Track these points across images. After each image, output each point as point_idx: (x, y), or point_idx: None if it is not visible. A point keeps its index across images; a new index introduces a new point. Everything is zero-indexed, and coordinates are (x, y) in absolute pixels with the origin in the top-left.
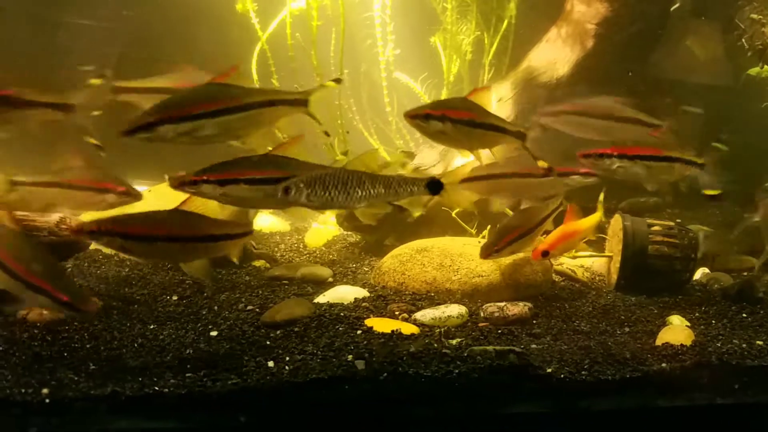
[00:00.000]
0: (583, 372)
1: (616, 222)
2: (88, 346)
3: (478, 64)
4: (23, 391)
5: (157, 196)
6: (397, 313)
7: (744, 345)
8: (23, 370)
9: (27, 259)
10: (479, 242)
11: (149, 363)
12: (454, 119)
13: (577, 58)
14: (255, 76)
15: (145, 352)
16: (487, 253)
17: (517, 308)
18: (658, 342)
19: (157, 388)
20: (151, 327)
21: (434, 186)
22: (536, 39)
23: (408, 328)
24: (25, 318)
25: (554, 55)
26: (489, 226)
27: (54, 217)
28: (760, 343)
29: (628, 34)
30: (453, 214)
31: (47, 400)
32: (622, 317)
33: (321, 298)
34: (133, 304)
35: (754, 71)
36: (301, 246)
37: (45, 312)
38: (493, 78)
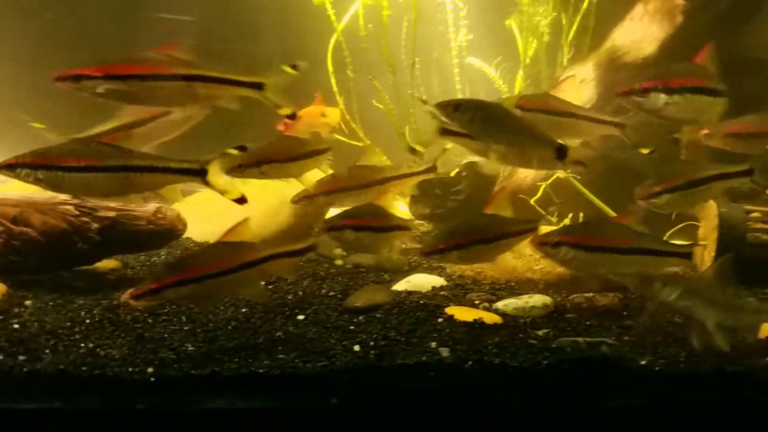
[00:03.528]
0: (679, 364)
1: (711, 208)
2: (185, 328)
3: (555, 45)
4: (130, 369)
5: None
6: (477, 302)
7: None
8: (128, 350)
9: None
10: None
11: (244, 345)
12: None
13: (665, 36)
14: (330, 67)
15: (239, 334)
16: (428, 251)
17: (606, 299)
18: (762, 335)
19: (252, 369)
20: (243, 311)
21: (562, 151)
22: (619, 17)
23: (490, 318)
24: (128, 302)
25: (640, 33)
26: (570, 214)
27: (152, 207)
28: None
29: (721, 10)
30: (531, 201)
31: (152, 379)
32: None
33: (398, 286)
34: None
35: None
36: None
37: None
38: (572, 59)
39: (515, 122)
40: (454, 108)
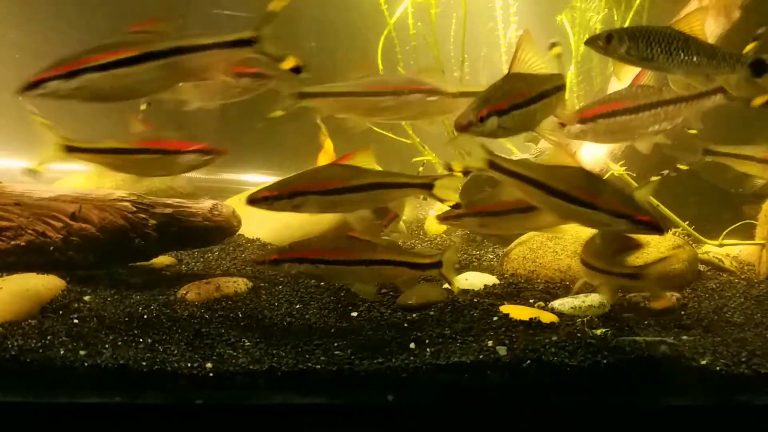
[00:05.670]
0: (741, 365)
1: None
2: (242, 324)
3: None
4: (189, 365)
5: None
6: (531, 301)
7: None
8: (186, 346)
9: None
10: None
11: (300, 340)
12: None
13: (722, 31)
14: (380, 65)
15: (295, 329)
16: (445, 216)
17: (664, 298)
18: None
19: (309, 365)
20: (297, 307)
21: (761, 66)
22: (674, 12)
23: (546, 317)
24: (184, 297)
25: None
26: None
27: (208, 203)
28: None
29: None
30: None
31: (211, 374)
32: None
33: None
34: (277, 285)
35: None
36: (421, 233)
37: (201, 292)
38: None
39: (690, 41)
40: (605, 41)
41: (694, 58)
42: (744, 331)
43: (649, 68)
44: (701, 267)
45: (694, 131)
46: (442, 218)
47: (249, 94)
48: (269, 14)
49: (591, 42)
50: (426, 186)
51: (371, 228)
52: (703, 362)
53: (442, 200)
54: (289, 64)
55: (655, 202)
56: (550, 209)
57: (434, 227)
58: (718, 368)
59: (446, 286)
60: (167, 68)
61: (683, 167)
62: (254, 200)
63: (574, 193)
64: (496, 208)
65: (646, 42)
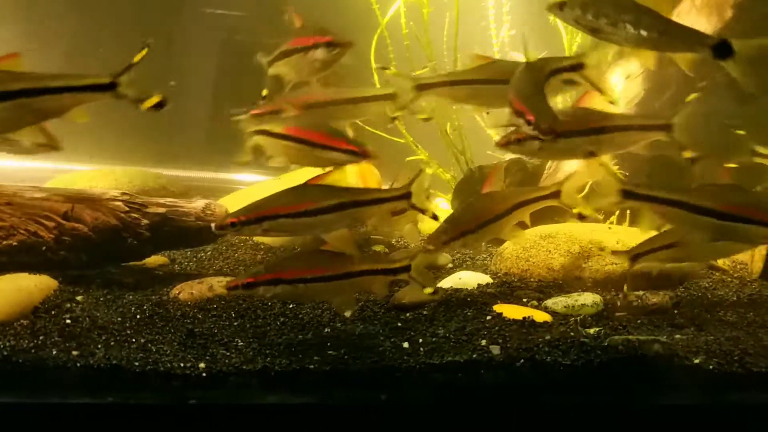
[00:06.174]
0: (734, 363)
1: None
2: (235, 323)
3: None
4: (182, 365)
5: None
6: (525, 300)
7: None
8: (179, 346)
9: None
10: (609, 228)
11: (293, 340)
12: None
13: (713, 30)
14: (373, 64)
15: (288, 329)
16: (436, 243)
17: (657, 297)
18: None
19: (302, 365)
20: (290, 306)
21: (722, 49)
22: (667, 12)
23: (540, 316)
24: (177, 297)
25: None
26: (617, 211)
27: (200, 203)
28: None
29: None
30: (579, 197)
31: (204, 374)
32: None
33: (444, 283)
34: None
35: None
36: (416, 232)
37: (194, 291)
38: (618, 54)
39: (643, 15)
40: (559, 7)
41: (643, 33)
42: (737, 329)
43: (601, 39)
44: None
45: (742, 132)
46: (433, 248)
47: (328, 67)
48: (130, 65)
49: (550, 7)
50: (403, 197)
51: (344, 240)
52: (696, 361)
53: (422, 210)
54: (151, 102)
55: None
56: (700, 229)
57: (429, 226)
58: (711, 367)
59: (439, 284)
60: (17, 109)
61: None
62: (221, 227)
63: (725, 208)
64: (472, 226)
65: (594, 12)
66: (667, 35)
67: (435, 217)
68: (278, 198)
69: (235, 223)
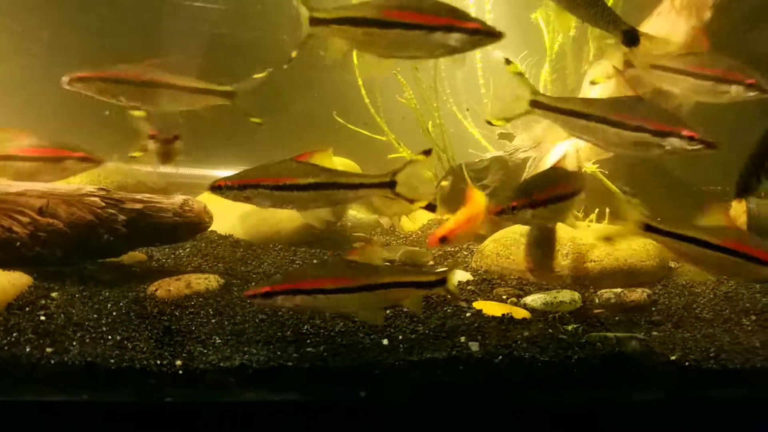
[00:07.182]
0: (710, 360)
1: (739, 205)
2: (213, 321)
3: (582, 40)
4: (158, 362)
5: None
6: (504, 297)
7: None
8: (156, 343)
9: None
10: (588, 226)
11: (272, 337)
12: None
13: (690, 31)
14: (356, 61)
15: (266, 326)
16: (499, 209)
17: (635, 294)
18: None
19: (281, 362)
20: None
21: (631, 36)
22: (648, 12)
23: (519, 313)
24: (154, 294)
25: (666, 28)
26: (597, 209)
27: (178, 199)
28: None
29: (749, 7)
30: None
31: (180, 372)
32: (747, 305)
33: None
34: (250, 282)
35: None
36: (396, 229)
37: (171, 289)
38: (598, 54)
39: None
40: None
41: (591, 10)
42: (713, 326)
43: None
44: (671, 263)
45: None
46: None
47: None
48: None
49: None
50: (386, 185)
51: (370, 252)
52: (673, 357)
53: (410, 200)
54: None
55: (617, 191)
56: (713, 266)
57: (410, 224)
58: (687, 363)
59: None
60: None
61: None
62: (213, 188)
63: (739, 248)
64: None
65: None
66: (602, 15)
67: (430, 207)
68: (264, 169)
69: (222, 186)
